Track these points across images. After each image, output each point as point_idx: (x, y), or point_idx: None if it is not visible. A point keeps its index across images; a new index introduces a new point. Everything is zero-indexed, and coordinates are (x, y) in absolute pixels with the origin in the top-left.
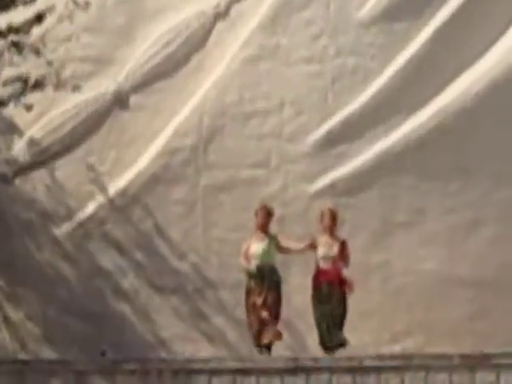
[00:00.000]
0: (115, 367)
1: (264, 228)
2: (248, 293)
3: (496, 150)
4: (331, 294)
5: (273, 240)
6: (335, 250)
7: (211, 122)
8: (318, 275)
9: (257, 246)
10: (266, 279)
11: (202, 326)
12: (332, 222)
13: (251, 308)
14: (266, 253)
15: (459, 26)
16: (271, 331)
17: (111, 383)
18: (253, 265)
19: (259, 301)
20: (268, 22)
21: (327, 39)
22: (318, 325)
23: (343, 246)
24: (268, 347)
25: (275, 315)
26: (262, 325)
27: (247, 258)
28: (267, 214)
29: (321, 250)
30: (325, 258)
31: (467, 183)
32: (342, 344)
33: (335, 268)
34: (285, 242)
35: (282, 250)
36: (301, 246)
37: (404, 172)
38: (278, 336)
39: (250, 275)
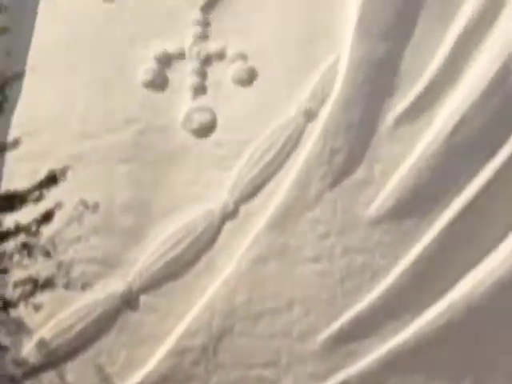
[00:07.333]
0: None
1: None
2: None
3: (509, 349)
4: None
5: None
6: None
7: (221, 321)
8: None
9: None
10: None
11: None
12: None
13: None
14: None
15: (466, 225)
16: None
17: None
18: None
19: None
20: (276, 222)
21: (335, 238)
22: None
23: None
24: None
25: None
26: None
27: None
28: None
29: None
30: None
31: (479, 382)
32: None
33: None
34: None
35: None
36: None
37: (415, 370)
38: None
39: None
